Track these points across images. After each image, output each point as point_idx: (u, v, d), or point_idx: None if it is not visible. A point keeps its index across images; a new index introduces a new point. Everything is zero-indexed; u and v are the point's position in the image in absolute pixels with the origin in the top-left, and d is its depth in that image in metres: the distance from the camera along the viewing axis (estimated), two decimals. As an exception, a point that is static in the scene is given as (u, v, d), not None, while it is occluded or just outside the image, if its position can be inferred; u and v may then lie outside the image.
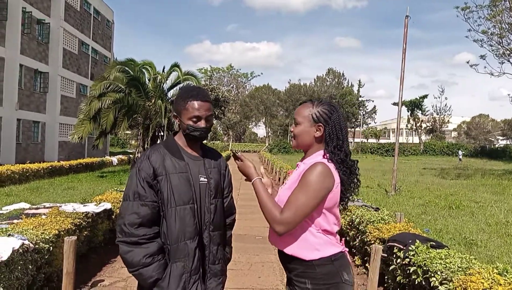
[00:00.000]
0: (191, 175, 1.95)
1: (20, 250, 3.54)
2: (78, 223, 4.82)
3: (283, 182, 2.05)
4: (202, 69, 73.52)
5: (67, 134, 26.68)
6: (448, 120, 65.84)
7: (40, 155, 24.54)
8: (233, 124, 66.61)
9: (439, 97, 71.22)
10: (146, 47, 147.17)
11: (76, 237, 4.21)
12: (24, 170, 13.87)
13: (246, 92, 75.99)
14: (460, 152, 41.91)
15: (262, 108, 69.00)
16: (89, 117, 16.61)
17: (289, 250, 1.89)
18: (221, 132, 65.71)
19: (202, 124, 1.97)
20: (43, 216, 4.82)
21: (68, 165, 17.41)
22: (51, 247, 4.05)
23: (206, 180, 2.00)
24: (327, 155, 1.91)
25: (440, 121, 65.36)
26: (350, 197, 2.02)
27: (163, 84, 18.61)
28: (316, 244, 1.87)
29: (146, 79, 18.46)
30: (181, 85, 19.22)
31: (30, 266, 3.69)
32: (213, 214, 2.00)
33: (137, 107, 17.00)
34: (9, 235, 3.76)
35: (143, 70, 18.45)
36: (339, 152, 1.91)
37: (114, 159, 23.67)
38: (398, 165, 13.44)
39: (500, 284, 2.72)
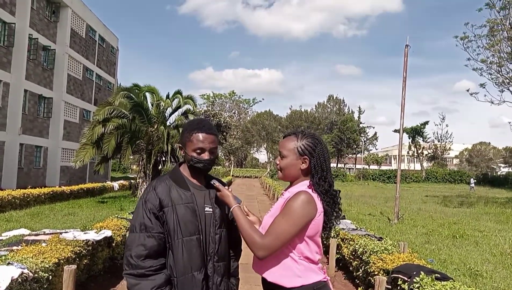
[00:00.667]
0: (196, 206, 1.96)
1: (19, 279, 3.49)
2: (78, 251, 4.77)
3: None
4: (204, 95, 74.51)
5: (69, 159, 26.72)
6: (450, 147, 65.84)
7: (42, 180, 24.51)
8: (235, 149, 66.65)
9: (440, 124, 71.40)
10: (150, 74, 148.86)
11: (76, 265, 4.16)
12: (25, 195, 13.81)
13: (248, 117, 76.49)
14: (472, 180, 40.67)
15: (264, 133, 69.25)
16: (92, 142, 16.67)
17: (271, 278, 1.91)
18: (223, 157, 65.67)
19: (206, 156, 1.98)
20: (43, 244, 4.78)
21: (69, 190, 17.34)
22: (50, 276, 3.99)
23: (211, 210, 2.00)
24: (312, 186, 1.96)
25: (441, 148, 65.35)
26: (333, 226, 2.05)
27: (166, 110, 18.78)
28: (298, 271, 1.89)
29: (149, 105, 18.63)
30: (180, 109, 19.43)
31: (28, 296, 3.63)
32: (218, 245, 1.99)
33: (140, 133, 17.11)
34: (8, 263, 3.72)
35: (147, 95, 18.65)
36: (323, 183, 1.96)
37: (115, 185, 23.60)
38: (400, 193, 13.36)
39: (508, 320, 2.66)
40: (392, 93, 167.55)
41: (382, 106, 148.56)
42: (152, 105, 18.74)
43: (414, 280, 3.74)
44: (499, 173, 65.38)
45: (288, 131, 2.21)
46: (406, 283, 3.86)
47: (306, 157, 1.98)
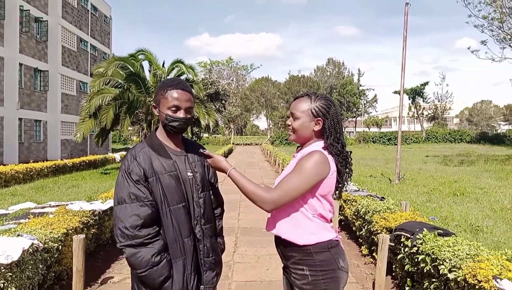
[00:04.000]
0: (179, 173, 1.93)
1: (30, 250, 3.56)
2: (85, 221, 4.84)
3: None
4: (201, 62, 73.36)
5: (69, 132, 26.72)
6: (450, 107, 65.60)
7: (43, 154, 24.59)
8: (234, 117, 66.50)
9: (440, 84, 70.86)
10: (144, 43, 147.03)
11: (84, 235, 4.23)
12: (28, 169, 13.90)
13: (246, 84, 75.78)
14: None
15: (263, 100, 68.84)
16: (90, 114, 16.59)
17: (285, 235, 1.94)
18: (223, 125, 65.54)
19: (181, 114, 1.93)
20: (51, 215, 4.85)
21: (71, 163, 17.44)
22: (60, 246, 4.07)
23: (192, 174, 1.98)
24: (326, 147, 1.97)
25: (441, 108, 65.15)
26: (344, 186, 2.09)
27: (164, 79, 18.55)
28: (312, 228, 1.92)
29: (147, 73, 18.41)
30: (182, 77, 19.22)
31: (40, 266, 3.72)
32: (203, 208, 2.00)
33: (138, 103, 16.99)
34: (18, 235, 3.79)
35: (143, 64, 18.38)
36: (337, 144, 1.98)
37: (117, 156, 23.70)
38: (401, 154, 13.43)
39: (510, 270, 2.73)
40: (393, 53, 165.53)
41: (382, 67, 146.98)
42: (149, 71, 18.51)
43: (417, 236, 3.81)
44: (499, 131, 65.44)
45: (300, 93, 2.19)
46: (409, 240, 3.93)
47: (320, 118, 1.98)
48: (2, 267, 3.14)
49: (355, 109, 67.75)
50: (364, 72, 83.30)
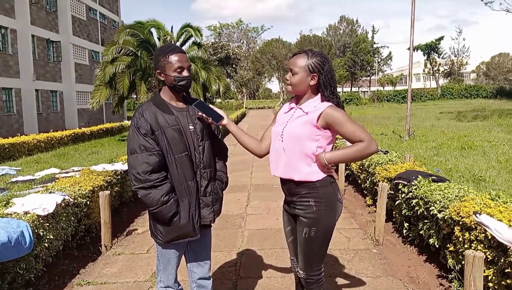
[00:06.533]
0: (181, 127, 2.26)
1: (62, 204, 3.99)
2: (109, 180, 5.27)
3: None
4: (211, 26, 72.43)
5: (85, 102, 27.25)
6: (467, 62, 63.74)
7: (61, 124, 25.27)
8: (246, 81, 66.10)
9: (457, 38, 68.60)
10: (152, 8, 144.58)
11: (109, 191, 4.65)
12: (49, 138, 14.48)
13: (257, 47, 74.75)
14: None
15: (274, 62, 68.07)
16: (105, 82, 16.91)
17: (299, 177, 2.21)
18: (235, 90, 65.32)
19: (186, 73, 2.26)
20: (77, 175, 5.28)
21: (89, 131, 18.02)
22: (88, 201, 4.51)
23: (193, 127, 2.31)
24: (325, 100, 2.22)
25: (458, 64, 63.43)
26: None
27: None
28: (318, 168, 2.22)
29: (156, 41, 18.52)
30: (190, 41, 19.31)
31: (72, 218, 4.16)
32: (202, 154, 2.32)
33: (151, 69, 17.23)
34: (50, 192, 4.22)
35: (152, 31, 18.45)
36: (333, 96, 2.23)
37: (133, 123, 24.20)
38: (415, 111, 13.49)
39: (490, 207, 3.02)
40: (408, 9, 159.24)
41: (398, 24, 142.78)
42: (158, 39, 18.62)
43: (413, 183, 4.11)
44: (517, 85, 63.70)
45: (297, 49, 2.44)
46: (406, 187, 4.24)
47: (315, 74, 2.22)
48: (40, 218, 3.57)
49: (369, 68, 66.55)
50: (379, 29, 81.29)
